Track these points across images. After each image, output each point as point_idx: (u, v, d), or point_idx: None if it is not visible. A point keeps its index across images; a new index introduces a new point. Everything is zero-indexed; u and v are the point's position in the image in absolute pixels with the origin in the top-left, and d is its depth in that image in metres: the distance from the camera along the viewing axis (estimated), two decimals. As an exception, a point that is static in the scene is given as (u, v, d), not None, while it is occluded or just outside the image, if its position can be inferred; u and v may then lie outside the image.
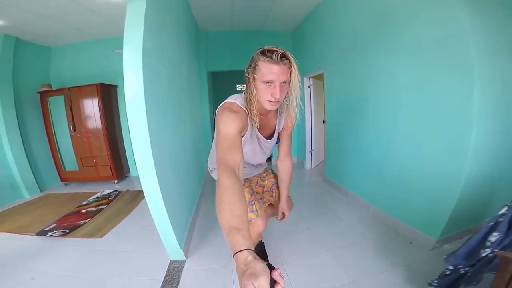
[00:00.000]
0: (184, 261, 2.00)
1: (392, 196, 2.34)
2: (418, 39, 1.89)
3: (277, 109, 1.20)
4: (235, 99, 1.07)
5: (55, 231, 2.53)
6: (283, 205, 1.59)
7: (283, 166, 1.51)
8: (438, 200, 1.85)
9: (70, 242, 2.38)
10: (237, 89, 6.94)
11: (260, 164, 1.51)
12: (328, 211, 2.82)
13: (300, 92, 1.03)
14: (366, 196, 2.75)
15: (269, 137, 1.26)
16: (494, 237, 1.05)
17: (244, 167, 1.31)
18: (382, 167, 2.45)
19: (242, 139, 1.07)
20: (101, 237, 2.43)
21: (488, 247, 1.07)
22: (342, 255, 1.97)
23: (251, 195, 1.42)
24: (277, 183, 1.62)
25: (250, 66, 1.00)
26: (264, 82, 0.95)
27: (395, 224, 2.29)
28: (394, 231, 2.28)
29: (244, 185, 1.40)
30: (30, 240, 2.44)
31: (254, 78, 0.99)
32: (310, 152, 4.56)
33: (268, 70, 0.92)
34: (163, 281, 1.77)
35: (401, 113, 2.16)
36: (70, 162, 4.20)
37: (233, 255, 0.56)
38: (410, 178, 2.11)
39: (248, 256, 0.54)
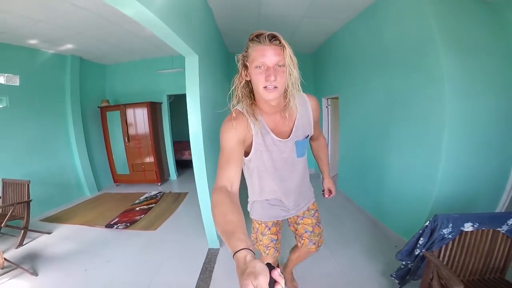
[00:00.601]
0: (218, 249, 2.58)
1: (385, 207, 2.80)
2: (409, 80, 2.30)
3: (287, 104, 1.00)
4: (239, 105, 1.00)
5: (119, 225, 3.19)
6: (326, 183, 1.55)
7: (316, 144, 1.46)
8: (416, 212, 2.31)
9: (131, 233, 3.03)
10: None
11: (299, 181, 1.23)
12: (335, 218, 3.26)
13: (299, 75, 0.91)
14: (367, 207, 3.22)
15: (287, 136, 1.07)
16: (421, 241, 1.51)
17: (275, 188, 1.18)
18: (379, 184, 2.89)
19: (255, 145, 1.01)
20: (155, 229, 3.06)
21: (418, 247, 1.53)
22: (339, 254, 2.44)
23: (271, 241, 1.34)
24: (311, 231, 1.40)
25: (242, 54, 0.94)
26: (257, 67, 0.86)
27: (386, 230, 2.76)
28: (384, 236, 2.72)
29: (269, 229, 1.33)
30: (100, 231, 3.11)
31: (246, 67, 0.91)
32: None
33: (259, 53, 0.84)
34: (204, 263, 2.36)
35: (391, 143, 2.64)
36: (122, 166, 5.01)
37: (233, 256, 0.56)
38: (398, 194, 2.57)
39: (247, 256, 0.54)
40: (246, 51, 0.92)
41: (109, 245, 2.76)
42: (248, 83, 0.97)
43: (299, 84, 0.92)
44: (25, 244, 2.78)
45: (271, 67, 0.85)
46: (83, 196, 4.47)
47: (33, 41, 3.41)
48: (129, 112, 4.73)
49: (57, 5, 2.46)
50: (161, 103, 5.10)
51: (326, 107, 4.69)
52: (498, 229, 1.45)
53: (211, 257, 2.42)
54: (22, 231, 2.79)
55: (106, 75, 5.15)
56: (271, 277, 0.48)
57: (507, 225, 1.43)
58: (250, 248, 0.56)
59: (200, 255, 2.47)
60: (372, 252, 2.42)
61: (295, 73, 0.88)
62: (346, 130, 3.79)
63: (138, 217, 3.40)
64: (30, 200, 2.88)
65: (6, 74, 3.37)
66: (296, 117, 1.06)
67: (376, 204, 2.99)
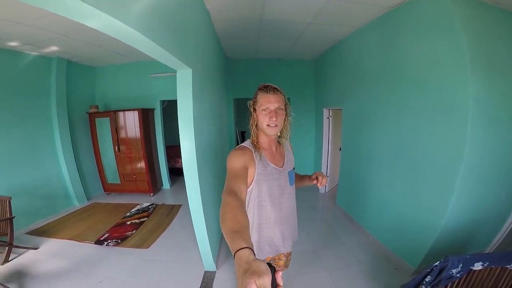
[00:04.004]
0: (215, 272, 2.47)
1: (388, 229, 2.73)
2: (426, 101, 2.15)
3: (281, 142, 1.35)
4: (244, 143, 1.24)
5: (109, 241, 3.07)
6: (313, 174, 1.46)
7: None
8: (420, 239, 2.26)
9: (123, 251, 2.90)
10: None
11: (291, 209, 1.37)
12: (334, 236, 3.20)
13: (291, 119, 1.27)
14: (368, 226, 3.12)
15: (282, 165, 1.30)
16: (428, 278, 1.50)
17: (271, 216, 1.26)
18: (383, 204, 2.81)
19: (257, 175, 1.17)
20: (147, 247, 2.94)
21: (424, 284, 1.53)
22: (338, 275, 2.40)
23: None
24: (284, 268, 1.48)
25: (252, 100, 1.21)
26: (263, 110, 1.15)
27: (387, 252, 2.69)
28: (385, 258, 2.66)
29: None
30: (89, 248, 2.97)
31: (255, 110, 1.19)
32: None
33: (265, 100, 1.14)
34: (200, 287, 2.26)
35: (398, 169, 2.56)
36: (112, 175, 4.82)
37: (234, 254, 0.57)
38: (403, 217, 2.50)
39: (250, 255, 0.55)
40: (255, 98, 1.20)
41: (100, 263, 2.64)
42: (256, 124, 1.22)
43: (289, 129, 1.29)
44: (11, 260, 2.65)
45: (273, 110, 1.14)
46: (71, 206, 4.29)
47: (13, 43, 3.17)
48: (119, 119, 4.54)
49: (33, 7, 2.23)
50: (154, 109, 4.93)
51: (328, 118, 4.58)
52: (507, 266, 1.43)
53: (207, 282, 2.33)
54: (7, 247, 2.65)
55: (95, 78, 4.89)
56: (273, 278, 0.49)
57: (517, 262, 1.42)
58: (252, 249, 0.58)
59: (196, 278, 2.38)
60: (372, 274, 2.38)
61: (288, 119, 1.25)
62: (349, 145, 3.64)
63: (129, 233, 3.26)
64: (13, 217, 2.74)
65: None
66: (285, 153, 1.35)
67: (377, 224, 2.92)
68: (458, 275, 1.42)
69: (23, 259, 2.70)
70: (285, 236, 1.33)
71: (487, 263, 1.41)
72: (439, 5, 1.94)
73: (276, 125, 1.16)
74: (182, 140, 2.02)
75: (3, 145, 3.34)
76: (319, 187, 1.40)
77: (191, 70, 1.96)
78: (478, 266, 1.41)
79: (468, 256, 1.39)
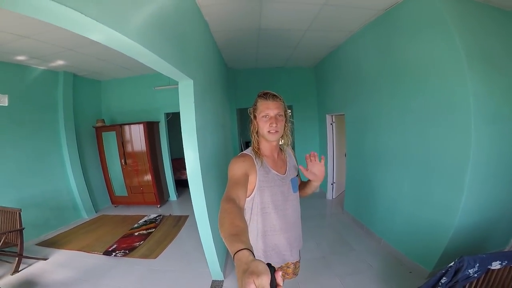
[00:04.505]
0: (223, 281, 2.44)
1: (399, 232, 2.65)
2: (428, 102, 2.14)
3: (283, 148, 1.36)
4: (245, 150, 1.26)
5: (117, 252, 3.06)
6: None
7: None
8: (434, 240, 2.20)
9: (131, 261, 2.89)
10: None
11: (296, 217, 1.33)
12: (343, 242, 3.12)
13: (291, 124, 1.29)
14: (378, 230, 3.04)
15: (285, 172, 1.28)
16: (444, 280, 1.46)
17: (276, 224, 1.24)
18: (393, 207, 2.74)
19: (259, 182, 1.17)
20: (155, 258, 2.93)
21: (440, 286, 1.48)
22: (349, 281, 2.33)
23: None
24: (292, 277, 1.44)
25: (252, 107, 1.23)
26: (263, 117, 1.16)
27: (399, 256, 2.61)
28: (398, 261, 2.58)
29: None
30: (98, 258, 2.98)
31: (255, 117, 1.21)
32: (332, 184, 4.72)
33: (265, 107, 1.16)
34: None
35: (405, 170, 2.51)
36: (119, 188, 4.87)
37: (233, 256, 0.57)
38: (414, 219, 2.43)
39: (249, 256, 0.55)
40: (255, 105, 1.21)
41: (108, 274, 2.64)
42: (257, 131, 1.24)
43: (290, 135, 1.29)
44: (20, 271, 2.67)
45: (273, 116, 1.16)
46: (80, 218, 4.32)
47: (20, 57, 3.28)
48: (125, 132, 4.62)
49: (39, 21, 2.34)
50: (158, 122, 4.99)
51: (331, 124, 4.57)
52: None
53: (215, 290, 2.30)
54: (17, 258, 2.68)
55: (101, 92, 5.02)
56: (272, 278, 0.49)
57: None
58: (252, 250, 0.58)
59: (204, 287, 2.35)
60: (384, 278, 2.31)
61: (288, 124, 1.26)
62: (354, 150, 3.59)
63: (137, 244, 3.26)
64: (23, 229, 2.78)
65: (-8, 94, 3.26)
66: (287, 159, 1.34)
67: (387, 228, 2.85)
68: (476, 275, 1.37)
69: (33, 269, 2.73)
70: (292, 244, 1.31)
71: (506, 261, 1.36)
72: (429, 5, 1.98)
73: (277, 131, 1.17)
74: (186, 150, 2.06)
75: (13, 158, 3.43)
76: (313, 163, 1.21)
77: (192, 81, 2.01)
78: (496, 265, 1.37)
79: (485, 256, 1.36)
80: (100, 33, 1.05)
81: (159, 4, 1.50)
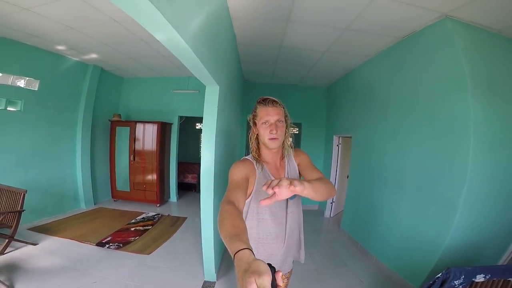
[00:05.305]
0: (214, 283, 2.39)
1: (392, 250, 2.67)
2: (431, 128, 2.23)
3: (283, 154, 1.27)
4: (246, 156, 1.26)
5: (111, 244, 3.02)
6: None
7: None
8: (424, 258, 2.23)
9: (123, 255, 2.84)
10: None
11: (293, 225, 1.27)
12: (336, 257, 3.11)
13: (292, 129, 1.26)
14: (372, 249, 3.05)
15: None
16: None
17: (271, 230, 1.21)
18: (389, 227, 2.76)
19: (257, 185, 1.15)
20: (149, 254, 2.87)
21: None
22: None
23: None
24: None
25: (251, 114, 1.22)
26: (263, 123, 1.14)
27: (390, 273, 2.65)
28: (388, 278, 2.61)
29: None
30: (90, 249, 2.92)
31: (255, 123, 1.19)
32: (331, 203, 4.75)
33: (265, 113, 1.13)
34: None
35: (406, 192, 2.55)
36: (123, 182, 4.89)
37: (233, 256, 0.57)
38: (407, 239, 2.47)
39: (250, 255, 0.55)
40: (255, 112, 1.20)
41: (98, 265, 2.58)
42: (257, 137, 1.22)
43: (292, 140, 1.26)
44: (6, 253, 2.59)
45: (273, 123, 1.13)
46: (78, 208, 4.32)
47: (60, 47, 3.51)
48: (139, 129, 4.74)
49: (91, 15, 2.55)
50: (172, 124, 5.12)
51: (337, 145, 4.62)
52: (509, 278, 1.47)
53: (206, 292, 2.22)
54: (7, 240, 2.62)
55: (122, 88, 5.21)
56: (273, 278, 0.49)
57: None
58: (252, 250, 0.58)
59: (195, 287, 2.29)
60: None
61: (289, 129, 1.22)
62: (357, 171, 3.65)
63: (132, 238, 3.21)
64: (23, 210, 2.76)
65: (26, 78, 3.44)
66: (287, 163, 1.29)
67: (381, 247, 2.85)
68: (461, 286, 1.44)
69: (19, 253, 2.65)
70: (288, 255, 1.27)
71: (489, 275, 1.43)
72: (443, 32, 2.10)
73: (277, 138, 1.14)
74: (204, 151, 2.19)
75: (29, 140, 3.54)
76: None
77: (218, 87, 2.15)
78: (480, 278, 1.44)
79: (470, 268, 1.42)
80: (165, 33, 1.18)
81: (207, 12, 1.66)
